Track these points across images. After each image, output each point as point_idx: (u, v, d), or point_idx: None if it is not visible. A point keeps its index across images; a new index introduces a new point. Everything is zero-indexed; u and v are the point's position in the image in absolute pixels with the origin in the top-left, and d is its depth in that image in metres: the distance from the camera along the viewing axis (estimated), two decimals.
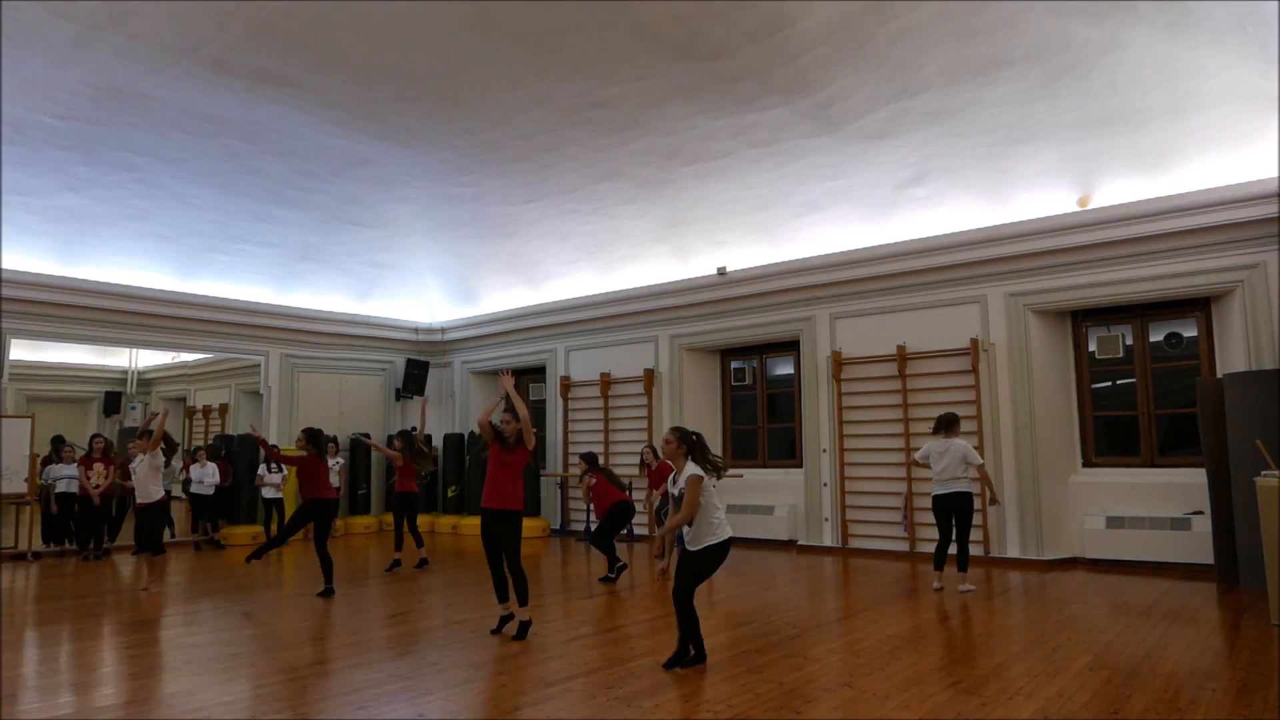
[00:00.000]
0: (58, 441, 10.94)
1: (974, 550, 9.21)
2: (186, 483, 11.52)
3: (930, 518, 9.61)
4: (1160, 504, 8.38)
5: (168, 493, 11.45)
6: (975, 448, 7.70)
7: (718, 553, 4.97)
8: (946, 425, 7.53)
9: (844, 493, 10.21)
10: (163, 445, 7.84)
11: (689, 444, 5.09)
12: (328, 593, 7.54)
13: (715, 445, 12.18)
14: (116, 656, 5.54)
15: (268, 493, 11.56)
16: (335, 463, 12.51)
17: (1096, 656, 5.13)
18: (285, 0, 6.53)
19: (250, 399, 13.58)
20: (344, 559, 10.31)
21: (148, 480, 7.79)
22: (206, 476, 11.30)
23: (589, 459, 8.98)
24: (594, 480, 8.77)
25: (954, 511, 7.49)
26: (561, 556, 10.31)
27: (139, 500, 7.90)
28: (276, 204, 10.85)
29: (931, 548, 9.51)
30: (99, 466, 10.32)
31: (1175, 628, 5.84)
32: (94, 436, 10.68)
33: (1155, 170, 8.12)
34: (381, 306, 14.39)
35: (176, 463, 12.03)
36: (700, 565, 4.97)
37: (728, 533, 5.00)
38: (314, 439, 7.77)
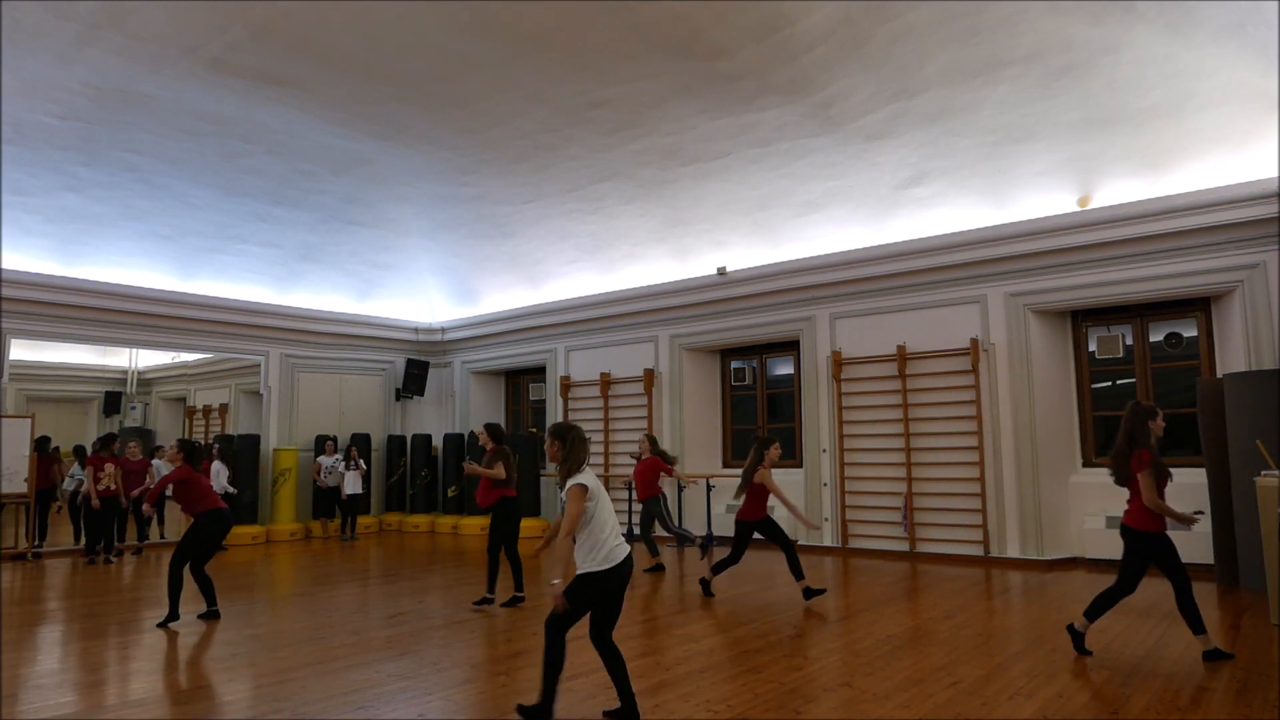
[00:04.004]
0: (79, 448, 10.96)
1: (973, 551, 9.21)
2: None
3: (932, 518, 9.65)
4: None
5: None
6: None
7: (596, 584, 3.86)
8: None
9: (844, 493, 10.21)
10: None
11: (564, 441, 3.88)
12: (212, 614, 6.54)
13: (715, 445, 12.18)
14: (117, 656, 5.55)
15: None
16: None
17: (1096, 656, 5.13)
18: (285, 0, 6.54)
19: (250, 399, 13.58)
20: (344, 559, 10.31)
21: None
22: (221, 477, 11.24)
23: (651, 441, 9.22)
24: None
25: None
26: None
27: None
28: (276, 204, 10.86)
29: (932, 548, 9.56)
30: (110, 467, 10.13)
31: (1175, 628, 5.84)
32: (104, 436, 10.54)
33: (1155, 170, 8.12)
34: (381, 306, 14.39)
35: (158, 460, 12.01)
36: (573, 596, 3.90)
37: (614, 559, 3.86)
38: (188, 450, 6.63)
